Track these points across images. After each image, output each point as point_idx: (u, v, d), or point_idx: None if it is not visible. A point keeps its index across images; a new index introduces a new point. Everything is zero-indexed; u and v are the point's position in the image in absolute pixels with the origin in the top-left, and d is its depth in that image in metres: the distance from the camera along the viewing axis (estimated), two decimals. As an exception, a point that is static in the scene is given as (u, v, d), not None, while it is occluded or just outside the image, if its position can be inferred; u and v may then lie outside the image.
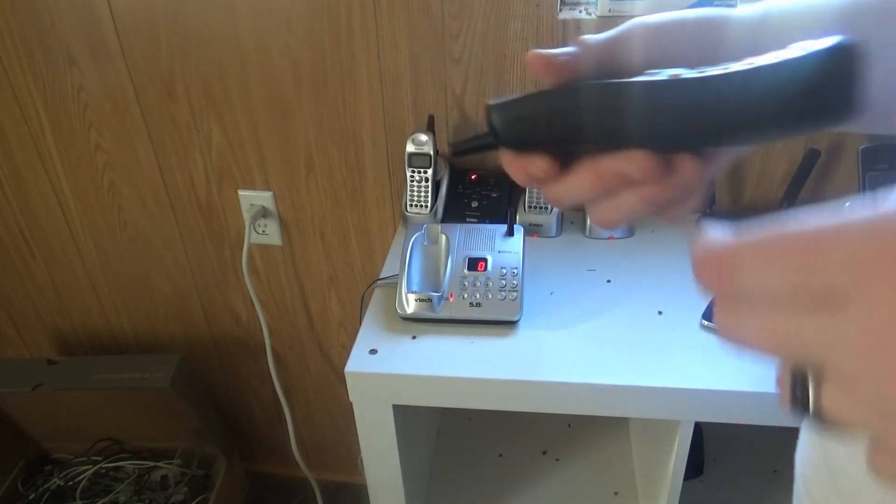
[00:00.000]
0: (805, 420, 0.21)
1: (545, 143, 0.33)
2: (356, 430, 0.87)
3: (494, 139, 0.34)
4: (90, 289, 1.46)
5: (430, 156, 1.02)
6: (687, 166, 0.30)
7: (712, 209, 1.05)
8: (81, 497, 1.42)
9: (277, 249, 1.32)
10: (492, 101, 0.34)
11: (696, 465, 1.14)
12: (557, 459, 1.20)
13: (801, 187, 1.02)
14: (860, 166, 0.95)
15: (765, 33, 0.34)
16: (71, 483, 1.45)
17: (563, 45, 0.34)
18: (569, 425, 1.27)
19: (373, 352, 0.84)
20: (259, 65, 1.11)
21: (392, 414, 0.85)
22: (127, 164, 1.26)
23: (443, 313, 0.85)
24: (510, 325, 0.86)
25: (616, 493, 1.14)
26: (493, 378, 0.79)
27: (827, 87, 0.26)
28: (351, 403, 0.85)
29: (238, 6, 1.06)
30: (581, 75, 0.34)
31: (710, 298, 0.88)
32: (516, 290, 0.85)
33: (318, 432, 1.63)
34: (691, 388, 0.76)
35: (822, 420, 0.21)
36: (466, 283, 0.86)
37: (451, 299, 0.86)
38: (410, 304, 0.86)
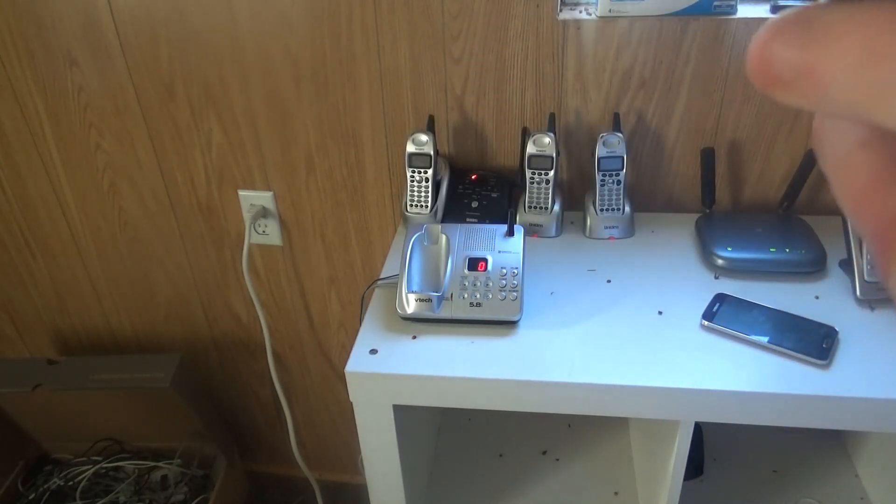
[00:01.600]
0: None
1: None
2: (356, 430, 0.87)
3: None
4: (90, 289, 1.46)
5: (431, 156, 1.02)
6: None
7: (712, 209, 1.05)
8: (81, 497, 1.42)
9: (277, 249, 1.33)
10: None
11: (696, 465, 1.14)
12: (557, 459, 1.20)
13: (802, 187, 1.02)
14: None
15: None
16: (71, 483, 1.45)
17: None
18: (569, 425, 1.27)
19: (373, 352, 0.84)
20: (259, 65, 1.11)
21: (392, 414, 0.85)
22: (127, 165, 1.26)
23: (443, 313, 0.85)
24: (510, 325, 0.86)
25: (616, 493, 1.14)
26: (493, 378, 0.79)
27: None
28: (351, 403, 0.85)
29: (238, 6, 1.06)
30: None
31: (713, 297, 0.88)
32: (516, 290, 0.85)
33: (318, 432, 1.63)
34: (691, 388, 0.76)
35: None
36: (466, 283, 0.86)
37: (451, 299, 0.86)
38: (410, 304, 0.86)
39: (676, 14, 0.97)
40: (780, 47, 0.15)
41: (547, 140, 0.99)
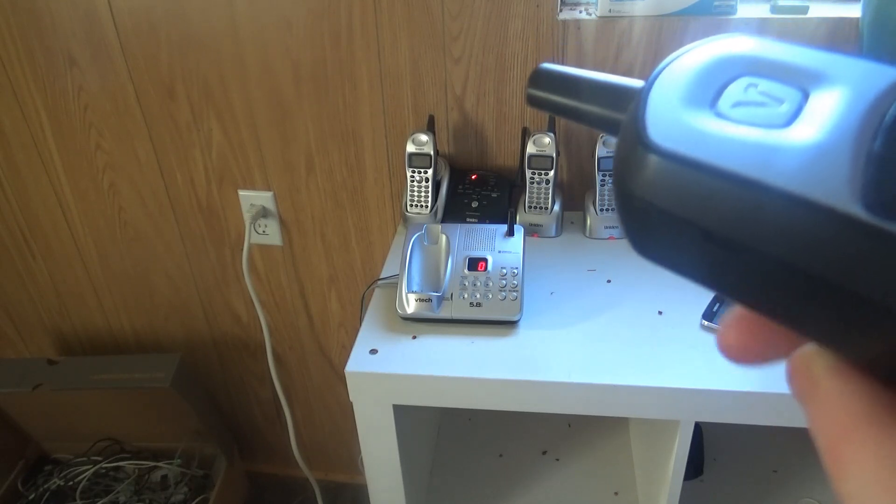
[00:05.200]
0: None
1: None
2: (356, 430, 0.87)
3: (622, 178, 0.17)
4: (90, 289, 1.46)
5: (431, 156, 1.02)
6: None
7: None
8: (81, 497, 1.42)
9: (277, 249, 1.32)
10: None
11: (696, 465, 1.14)
12: (557, 459, 1.20)
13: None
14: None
15: None
16: (71, 483, 1.45)
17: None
18: (569, 425, 1.27)
19: (373, 352, 0.84)
20: (259, 65, 1.11)
21: (392, 414, 0.85)
22: (127, 164, 1.26)
23: (443, 313, 0.85)
24: (510, 325, 0.86)
25: (616, 493, 1.14)
26: (493, 378, 0.79)
27: None
28: (351, 403, 0.85)
29: (238, 6, 1.06)
30: None
31: (711, 298, 0.88)
32: (516, 290, 0.85)
33: (318, 432, 1.63)
34: (691, 388, 0.76)
35: None
36: (466, 283, 0.86)
37: (451, 299, 0.86)
38: (411, 304, 0.86)
39: (676, 14, 0.97)
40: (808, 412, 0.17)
41: (547, 140, 0.99)
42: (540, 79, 0.22)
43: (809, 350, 0.17)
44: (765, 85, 0.16)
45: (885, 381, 0.15)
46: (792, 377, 0.18)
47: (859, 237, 0.13)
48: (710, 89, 0.17)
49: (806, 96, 0.16)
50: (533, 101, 0.22)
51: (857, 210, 0.13)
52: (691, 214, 0.15)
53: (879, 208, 0.13)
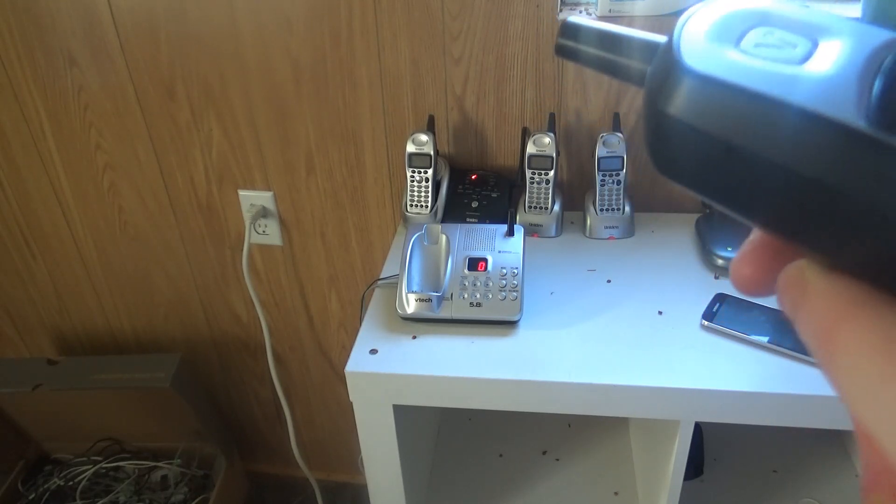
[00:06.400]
0: None
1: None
2: (356, 430, 0.87)
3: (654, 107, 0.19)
4: (90, 289, 1.46)
5: (431, 156, 1.02)
6: None
7: (712, 209, 1.05)
8: (81, 497, 1.42)
9: (277, 249, 1.33)
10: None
11: (696, 465, 1.14)
12: (557, 459, 1.20)
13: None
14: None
15: None
16: (71, 483, 1.45)
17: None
18: (569, 425, 1.27)
19: (373, 352, 0.84)
20: (259, 65, 1.11)
21: (392, 414, 0.85)
22: (127, 164, 1.26)
23: (443, 313, 0.85)
24: (510, 325, 0.86)
25: (616, 493, 1.14)
26: (493, 378, 0.79)
27: None
28: (351, 403, 0.85)
29: (238, 6, 1.06)
30: None
31: (711, 299, 0.88)
32: (516, 290, 0.85)
33: (318, 432, 1.63)
34: (691, 388, 0.76)
35: None
36: (466, 283, 0.86)
37: (451, 299, 0.86)
38: (411, 304, 0.86)
39: (676, 14, 0.97)
40: (803, 314, 0.18)
41: (547, 140, 0.99)
42: (570, 31, 0.24)
43: (799, 262, 0.19)
44: (779, 33, 0.19)
45: (872, 283, 0.17)
46: (784, 289, 0.19)
47: (861, 147, 0.16)
48: (733, 33, 0.19)
49: (815, 45, 0.18)
50: (563, 52, 0.25)
51: (861, 124, 0.16)
52: (718, 130, 0.18)
53: (880, 125, 0.16)
